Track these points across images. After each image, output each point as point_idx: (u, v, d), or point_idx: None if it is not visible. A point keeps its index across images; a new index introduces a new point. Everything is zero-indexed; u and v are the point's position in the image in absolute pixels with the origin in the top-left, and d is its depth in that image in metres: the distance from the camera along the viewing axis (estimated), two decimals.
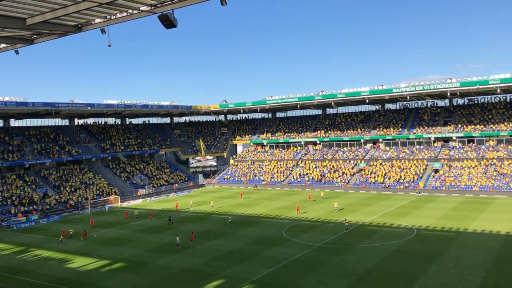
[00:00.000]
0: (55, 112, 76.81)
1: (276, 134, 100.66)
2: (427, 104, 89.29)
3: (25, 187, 71.02)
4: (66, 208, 68.83)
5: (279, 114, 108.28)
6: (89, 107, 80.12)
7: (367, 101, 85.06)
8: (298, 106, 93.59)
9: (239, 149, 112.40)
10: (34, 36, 20.77)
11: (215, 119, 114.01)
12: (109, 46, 19.75)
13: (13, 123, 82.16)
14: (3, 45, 21.58)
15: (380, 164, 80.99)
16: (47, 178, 76.29)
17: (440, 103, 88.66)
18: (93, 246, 44.88)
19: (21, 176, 73.82)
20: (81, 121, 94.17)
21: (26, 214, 63.36)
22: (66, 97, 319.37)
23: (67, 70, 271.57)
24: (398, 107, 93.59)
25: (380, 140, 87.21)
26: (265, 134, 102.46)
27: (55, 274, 35.99)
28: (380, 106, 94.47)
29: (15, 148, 76.04)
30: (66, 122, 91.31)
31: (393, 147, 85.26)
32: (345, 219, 47.46)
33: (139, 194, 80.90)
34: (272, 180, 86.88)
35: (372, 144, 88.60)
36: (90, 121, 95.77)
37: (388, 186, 73.93)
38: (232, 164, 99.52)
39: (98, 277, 34.69)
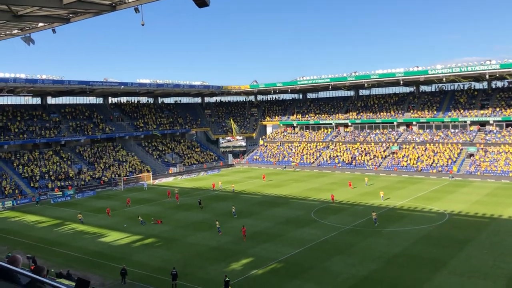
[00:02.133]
0: (89, 90, 78.49)
1: (307, 116, 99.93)
2: (463, 87, 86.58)
3: (61, 163, 73.35)
4: (100, 184, 70.83)
5: (310, 95, 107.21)
6: (122, 86, 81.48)
7: (401, 82, 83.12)
8: (330, 87, 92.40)
9: (269, 130, 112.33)
10: (70, 15, 21.10)
11: (245, 99, 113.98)
12: (143, 25, 19.86)
13: (50, 100, 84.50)
14: (41, 24, 22.03)
15: (413, 147, 79.48)
16: (82, 154, 78.51)
17: (478, 85, 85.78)
18: (126, 222, 46.13)
19: (57, 152, 76.21)
20: (114, 100, 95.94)
21: (62, 189, 65.62)
22: (100, 75, 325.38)
23: (101, 49, 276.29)
24: (433, 90, 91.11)
25: (414, 123, 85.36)
26: (295, 115, 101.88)
27: (89, 247, 37.34)
28: (414, 88, 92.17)
29: (52, 125, 78.36)
30: (100, 100, 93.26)
31: (427, 130, 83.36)
32: (374, 212, 42.90)
33: (170, 172, 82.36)
34: (302, 161, 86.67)
35: (405, 127, 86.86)
36: (124, 99, 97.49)
37: (421, 170, 72.62)
38: (261, 145, 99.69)
39: (130, 252, 35.78)
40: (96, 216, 49.89)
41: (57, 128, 78.27)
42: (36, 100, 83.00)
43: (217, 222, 41.01)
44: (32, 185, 65.40)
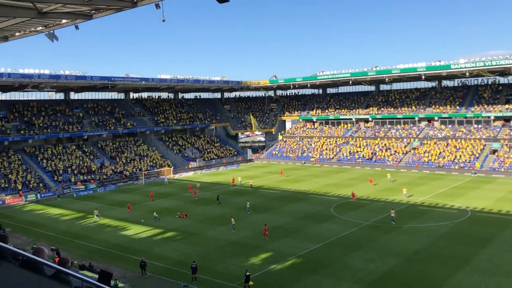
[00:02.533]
0: (111, 86, 79.60)
1: (326, 111, 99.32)
2: (487, 81, 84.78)
3: (83, 157, 74.66)
4: (121, 178, 71.88)
5: (330, 90, 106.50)
6: (143, 81, 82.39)
7: (423, 77, 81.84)
8: (350, 82, 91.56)
9: (288, 125, 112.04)
10: (93, 12, 21.44)
11: (265, 94, 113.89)
12: (163, 21, 20.03)
13: (73, 96, 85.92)
14: (64, 21, 22.46)
15: (435, 143, 78.32)
16: (104, 149, 79.73)
17: (503, 80, 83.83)
18: (147, 216, 46.74)
19: (80, 147, 77.58)
20: (136, 95, 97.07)
21: (84, 183, 66.82)
22: (122, 71, 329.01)
23: (123, 45, 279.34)
24: (456, 84, 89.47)
25: (436, 118, 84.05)
26: (315, 110, 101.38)
27: (110, 240, 37.99)
28: (436, 82, 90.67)
29: (75, 120, 79.75)
30: (122, 95, 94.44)
31: (449, 126, 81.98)
32: (392, 209, 41.74)
33: (190, 166, 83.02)
34: (321, 157, 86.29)
35: (427, 122, 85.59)
36: (145, 95, 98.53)
37: (442, 166, 71.55)
38: (280, 140, 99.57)
39: (151, 245, 36.29)
40: (118, 209, 50.67)
41: (79, 123, 79.64)
42: (60, 96, 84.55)
43: (232, 219, 40.75)
44: (55, 178, 66.77)
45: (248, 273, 27.07)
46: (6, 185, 61.54)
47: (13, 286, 5.08)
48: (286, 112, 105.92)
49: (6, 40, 25.96)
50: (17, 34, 25.01)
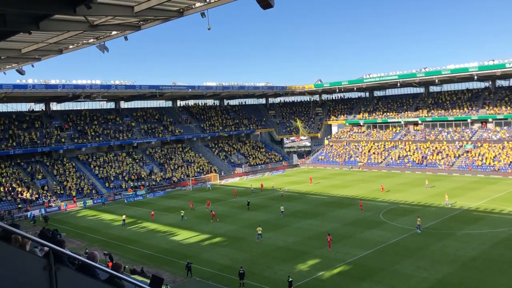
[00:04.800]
0: (159, 94, 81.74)
1: (374, 114, 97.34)
2: None
3: (133, 164, 76.90)
4: (170, 184, 73.40)
5: (377, 93, 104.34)
6: (190, 89, 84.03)
7: (475, 77, 78.59)
8: (398, 84, 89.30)
9: (334, 129, 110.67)
10: (141, 23, 22.09)
11: (310, 99, 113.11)
12: (209, 29, 20.33)
13: (123, 105, 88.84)
14: (114, 32, 23.28)
15: (489, 145, 74.91)
16: (153, 156, 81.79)
17: None
18: (195, 221, 47.42)
19: (130, 154, 79.99)
20: (182, 103, 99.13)
21: (135, 189, 68.74)
22: (169, 80, 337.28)
23: (169, 54, 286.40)
24: (511, 84, 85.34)
25: (490, 119, 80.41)
26: (361, 113, 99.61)
27: (160, 245, 38.78)
28: (490, 83, 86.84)
29: (125, 128, 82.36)
30: (169, 103, 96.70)
31: (505, 128, 78.18)
32: (418, 217, 39.76)
33: (236, 172, 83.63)
34: (369, 161, 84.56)
35: (480, 124, 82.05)
36: (191, 102, 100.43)
37: (498, 169, 68.26)
38: (326, 145, 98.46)
39: (199, 250, 36.74)
40: (167, 215, 51.71)
41: (129, 131, 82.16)
42: (110, 105, 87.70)
43: (259, 228, 39.48)
44: (107, 185, 69.12)
45: (290, 279, 26.84)
46: (62, 192, 64.31)
47: None
48: (332, 116, 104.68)
49: (60, 53, 27.20)
50: (70, 47, 26.13)
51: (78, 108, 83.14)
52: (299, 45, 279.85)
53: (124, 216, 49.23)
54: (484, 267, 28.91)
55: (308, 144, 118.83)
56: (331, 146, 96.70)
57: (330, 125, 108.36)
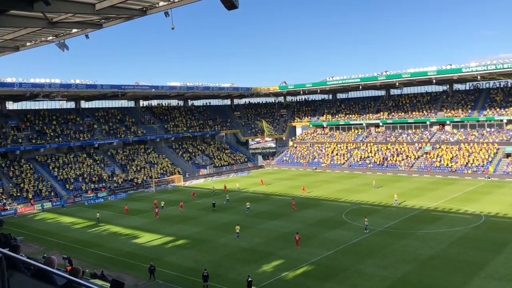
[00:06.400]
0: (121, 94, 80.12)
1: (337, 116, 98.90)
2: (500, 84, 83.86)
3: (94, 165, 75.04)
4: (132, 186, 72.06)
5: (340, 96, 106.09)
6: (153, 89, 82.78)
7: (434, 81, 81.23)
8: (360, 87, 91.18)
9: (298, 131, 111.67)
10: (103, 21, 21.55)
11: (275, 100, 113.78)
12: (173, 29, 20.10)
13: (84, 104, 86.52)
14: (74, 30, 22.61)
15: (447, 147, 77.53)
16: (115, 157, 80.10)
17: None
18: (158, 223, 46.74)
19: (91, 155, 78.03)
20: (146, 103, 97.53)
21: (95, 191, 67.09)
22: (131, 79, 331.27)
23: (132, 53, 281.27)
24: (467, 88, 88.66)
25: (448, 122, 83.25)
26: (325, 115, 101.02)
27: (122, 248, 37.98)
28: (448, 86, 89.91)
29: (85, 129, 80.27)
30: (132, 103, 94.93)
31: (461, 130, 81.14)
32: (366, 218, 40.52)
33: (201, 174, 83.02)
34: (332, 162, 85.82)
35: (438, 127, 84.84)
36: (154, 102, 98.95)
37: (455, 170, 70.73)
38: (291, 146, 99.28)
39: (163, 253, 36.20)
40: (130, 217, 50.73)
41: (90, 131, 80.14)
42: (70, 104, 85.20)
43: (238, 227, 39.95)
44: (67, 187, 67.14)
45: (250, 279, 26.88)
46: (18, 194, 62.00)
47: None
48: (296, 118, 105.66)
49: (17, 50, 26.19)
50: (28, 44, 25.20)
51: (37, 108, 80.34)
52: (265, 46, 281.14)
53: (98, 214, 49.40)
54: (442, 265, 29.83)
55: (273, 145, 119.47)
56: (295, 147, 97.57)
57: (295, 127, 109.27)
